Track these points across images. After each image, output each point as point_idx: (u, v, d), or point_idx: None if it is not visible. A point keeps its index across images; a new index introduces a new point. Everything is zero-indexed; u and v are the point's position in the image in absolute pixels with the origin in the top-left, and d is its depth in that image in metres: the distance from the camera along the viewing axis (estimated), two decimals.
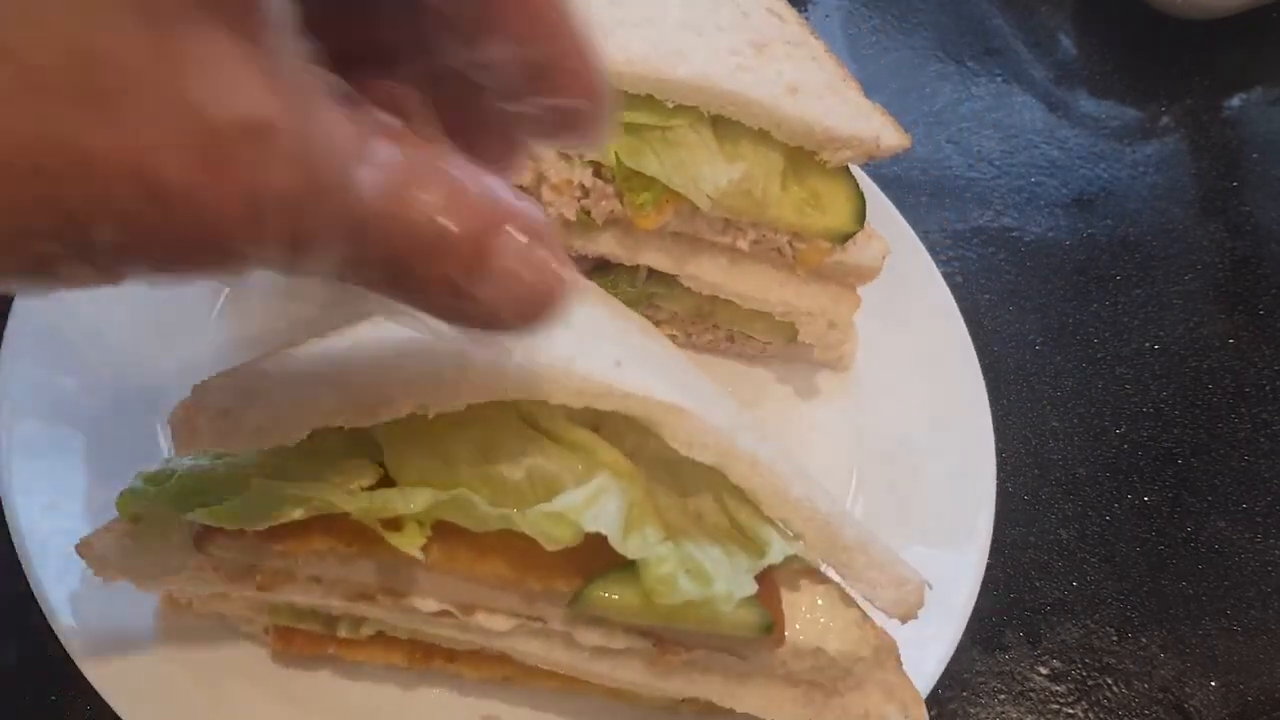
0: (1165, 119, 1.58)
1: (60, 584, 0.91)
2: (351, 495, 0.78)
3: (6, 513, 0.95)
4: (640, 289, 1.12)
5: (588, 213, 1.05)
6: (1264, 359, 1.34)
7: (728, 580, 0.78)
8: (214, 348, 1.09)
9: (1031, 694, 1.08)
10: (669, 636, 0.83)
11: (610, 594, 0.79)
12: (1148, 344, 1.34)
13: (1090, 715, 1.07)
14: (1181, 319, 1.36)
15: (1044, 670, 1.09)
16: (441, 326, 0.54)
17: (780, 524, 0.82)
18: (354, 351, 0.81)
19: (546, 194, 1.04)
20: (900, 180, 1.38)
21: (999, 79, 1.57)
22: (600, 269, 1.10)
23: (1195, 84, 1.61)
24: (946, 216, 1.41)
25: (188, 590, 0.89)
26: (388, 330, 0.81)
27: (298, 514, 0.78)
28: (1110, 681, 1.09)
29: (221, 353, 1.09)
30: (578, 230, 1.08)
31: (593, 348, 0.81)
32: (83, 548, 0.85)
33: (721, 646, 0.84)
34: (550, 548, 0.77)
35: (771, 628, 0.81)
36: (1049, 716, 1.07)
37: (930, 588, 0.84)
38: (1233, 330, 1.36)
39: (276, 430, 0.77)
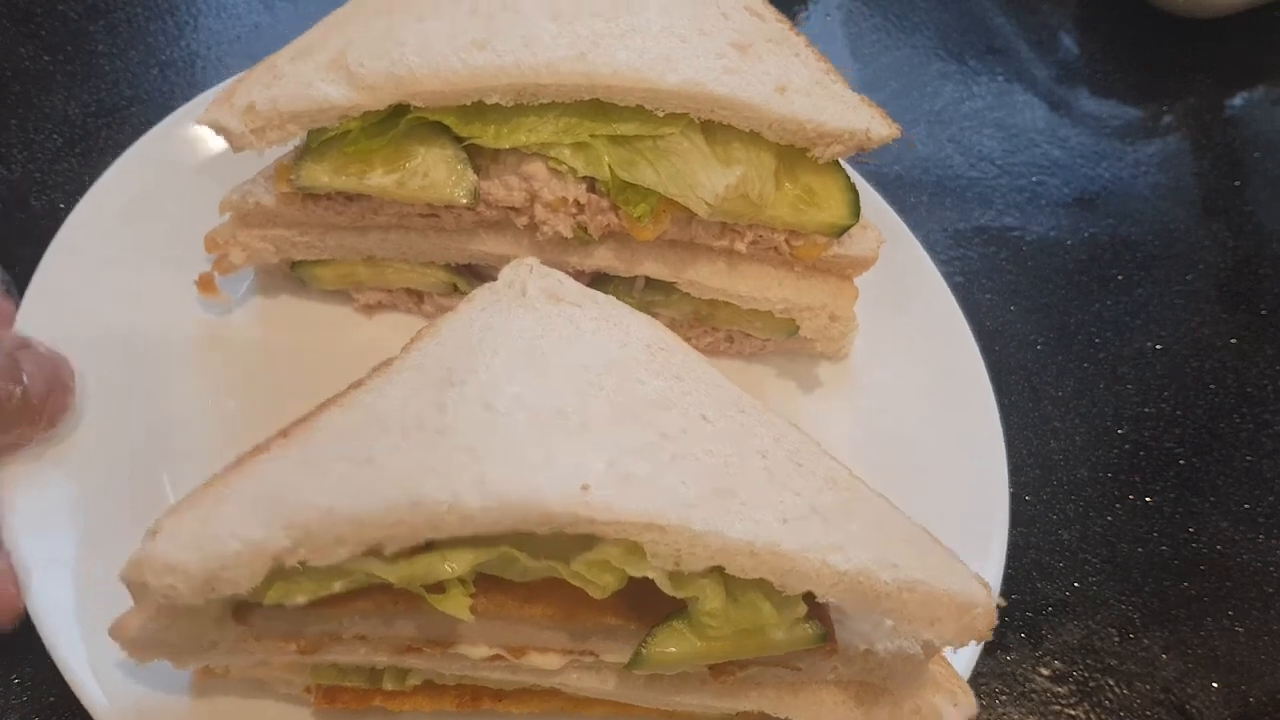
0: (1167, 118, 1.58)
1: (86, 652, 0.86)
2: (392, 564, 0.74)
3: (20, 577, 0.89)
4: (638, 298, 1.11)
5: (584, 228, 1.04)
6: (1266, 359, 1.34)
7: (776, 603, 0.77)
8: (214, 378, 1.06)
9: (1033, 695, 1.08)
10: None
11: (667, 649, 0.78)
12: (1149, 344, 1.33)
13: (1092, 716, 1.07)
14: (1183, 319, 1.36)
15: (1046, 671, 1.09)
16: None
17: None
18: (303, 479, 0.75)
19: (540, 212, 1.03)
20: (901, 180, 1.38)
21: (1000, 78, 1.57)
22: (597, 282, 1.09)
23: (1197, 83, 1.61)
24: (948, 216, 1.40)
25: (227, 661, 0.85)
26: (334, 445, 0.78)
27: (337, 587, 0.75)
28: (1112, 683, 1.09)
29: (222, 385, 1.06)
30: (574, 246, 1.06)
31: (566, 459, 0.75)
32: (115, 630, 0.80)
33: (776, 660, 0.84)
34: (597, 596, 0.76)
35: (826, 638, 0.81)
36: (1051, 718, 1.07)
37: (1004, 604, 0.78)
38: (1235, 330, 1.36)
39: (226, 581, 0.72)
